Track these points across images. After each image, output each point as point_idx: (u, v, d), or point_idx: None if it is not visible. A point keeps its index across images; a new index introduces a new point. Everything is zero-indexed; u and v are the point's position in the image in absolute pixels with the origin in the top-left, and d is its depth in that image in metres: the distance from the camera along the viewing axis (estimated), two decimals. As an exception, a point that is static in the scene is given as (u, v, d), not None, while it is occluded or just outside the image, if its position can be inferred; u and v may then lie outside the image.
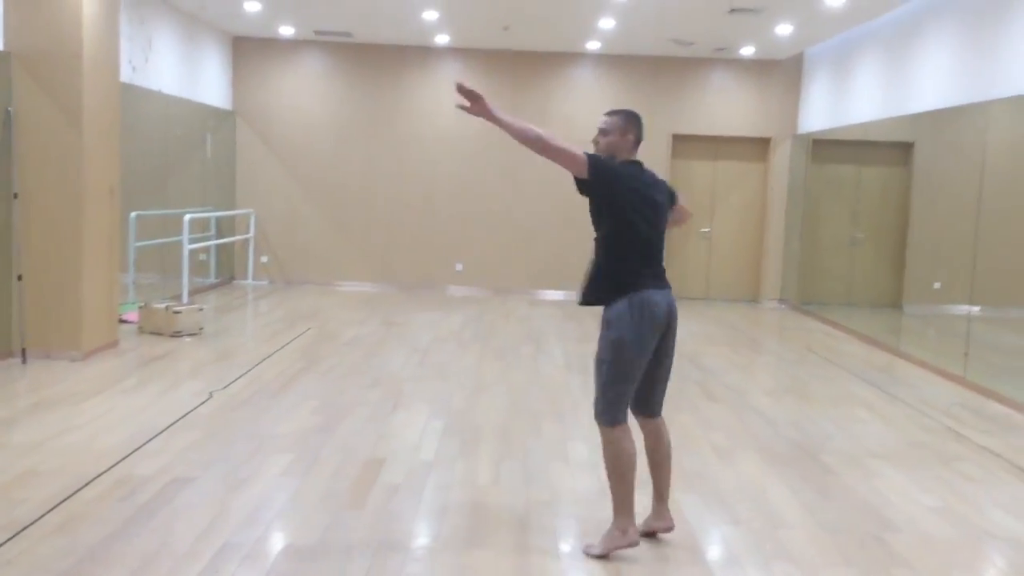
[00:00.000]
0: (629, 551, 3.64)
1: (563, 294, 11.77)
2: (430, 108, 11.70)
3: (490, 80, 11.67)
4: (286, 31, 11.02)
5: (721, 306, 11.58)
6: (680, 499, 4.30)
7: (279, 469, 4.50)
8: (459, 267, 11.86)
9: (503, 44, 11.26)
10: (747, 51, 11.03)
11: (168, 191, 9.80)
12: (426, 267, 11.88)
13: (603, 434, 3.66)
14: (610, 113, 3.84)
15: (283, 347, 7.62)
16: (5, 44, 6.51)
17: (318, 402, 5.83)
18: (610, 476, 3.65)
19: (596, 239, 3.77)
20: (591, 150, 3.78)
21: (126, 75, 8.27)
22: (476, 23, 10.03)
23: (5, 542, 3.49)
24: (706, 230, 12.02)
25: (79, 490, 4.08)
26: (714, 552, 3.73)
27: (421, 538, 3.76)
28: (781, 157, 11.75)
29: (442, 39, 11.10)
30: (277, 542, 3.65)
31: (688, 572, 3.51)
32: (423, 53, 11.65)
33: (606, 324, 3.63)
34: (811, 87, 11.28)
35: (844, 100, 10.16)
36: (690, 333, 9.30)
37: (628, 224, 3.63)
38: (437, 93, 11.68)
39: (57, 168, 6.62)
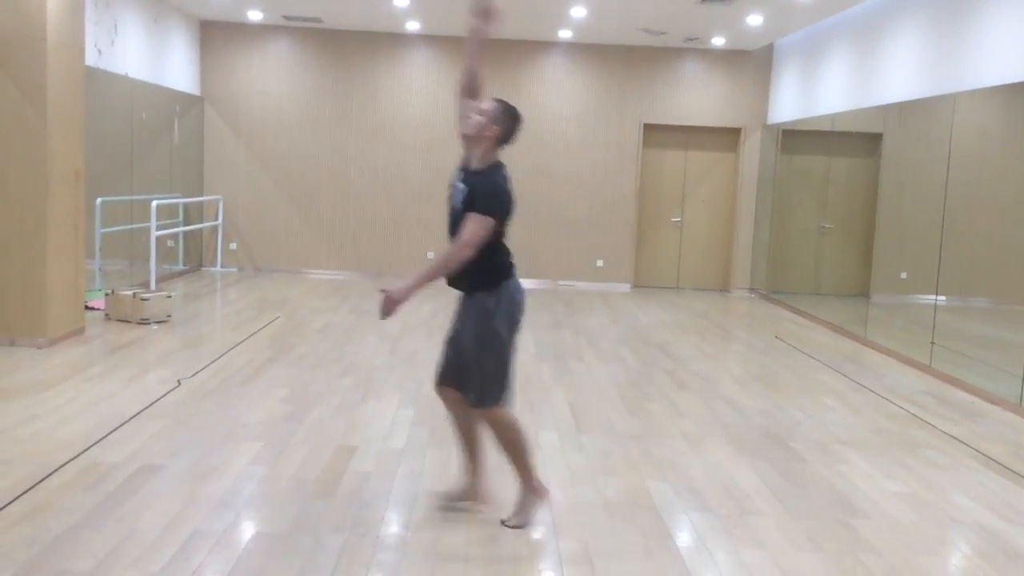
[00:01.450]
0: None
1: (533, 282, 11.77)
2: (400, 95, 11.64)
3: (460, 68, 11.59)
4: (255, 16, 10.89)
5: (691, 295, 11.65)
6: (650, 486, 4.33)
7: (248, 457, 4.47)
8: (430, 255, 11.82)
9: (475, 31, 11.19)
10: (718, 41, 11.07)
11: (135, 177, 9.67)
12: (396, 255, 11.84)
13: (497, 416, 3.72)
14: (495, 99, 3.78)
15: (252, 335, 7.56)
16: (-34, 25, 6.38)
17: (288, 390, 5.79)
18: (511, 453, 3.77)
19: (458, 226, 3.69)
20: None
21: (92, 59, 8.14)
22: (447, 10, 9.97)
23: (-32, 531, 3.43)
24: (677, 220, 12.08)
25: (44, 479, 4.03)
26: (684, 538, 3.75)
27: (392, 526, 3.75)
28: (751, 147, 11.82)
29: (412, 26, 11.03)
30: (247, 530, 3.62)
31: (659, 559, 3.53)
32: (393, 40, 11.58)
33: (485, 313, 3.66)
34: (781, 78, 11.35)
35: (813, 91, 10.24)
36: (660, 322, 9.35)
37: (504, 226, 3.69)
38: (407, 80, 11.62)
39: (21, 152, 6.50)
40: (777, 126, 11.27)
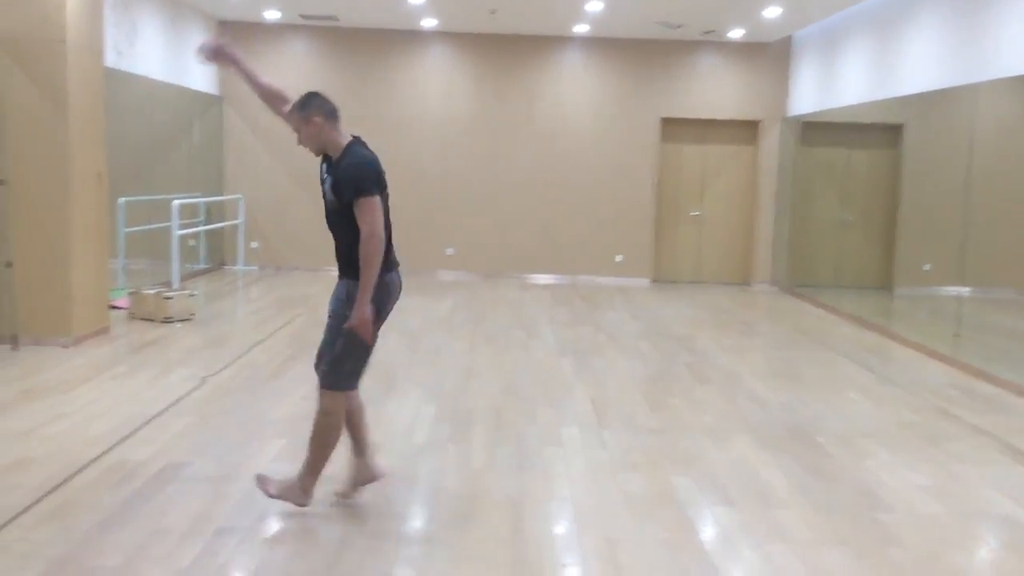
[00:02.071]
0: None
1: (553, 277, 11.77)
2: (417, 92, 11.65)
3: (477, 65, 11.62)
4: (272, 15, 10.93)
5: (711, 289, 11.61)
6: (673, 481, 4.32)
7: (272, 454, 4.50)
8: (449, 251, 11.84)
9: (490, 28, 11.21)
10: (736, 34, 11.01)
11: (156, 177, 9.73)
12: (415, 251, 11.83)
13: (330, 399, 3.68)
14: (292, 111, 3.79)
15: (274, 333, 7.60)
16: (-11, 28, 6.45)
17: (310, 388, 5.79)
18: (318, 440, 3.71)
19: (342, 222, 3.73)
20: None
21: (111, 60, 8.20)
22: (463, 7, 9.97)
23: (-2, 529, 3.48)
24: (696, 213, 12.03)
25: (72, 476, 4.07)
26: (708, 533, 3.74)
27: (416, 521, 3.77)
28: (770, 140, 11.75)
29: (429, 23, 11.03)
30: (272, 526, 3.65)
31: (683, 554, 3.52)
32: (410, 37, 11.59)
33: (350, 297, 3.67)
34: (800, 70, 11.28)
35: (833, 83, 10.17)
36: (681, 316, 9.32)
37: (383, 211, 3.71)
38: (424, 77, 11.63)
39: (43, 154, 6.56)
40: (796, 118, 11.20)
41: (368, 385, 5.89)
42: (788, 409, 5.76)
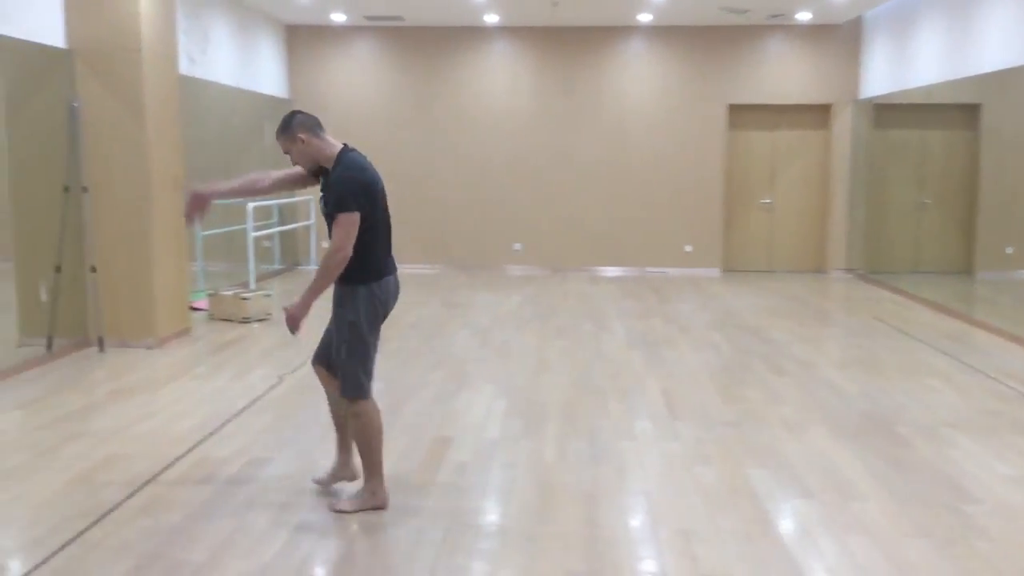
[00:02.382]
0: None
1: (622, 270, 11.72)
2: (482, 88, 11.70)
3: (540, 58, 11.61)
4: (338, 18, 11.09)
5: (785, 277, 11.41)
6: (749, 473, 4.27)
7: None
8: (517, 246, 11.87)
9: (553, 21, 11.19)
10: (803, 16, 10.79)
11: (230, 180, 9.95)
12: (484, 247, 11.92)
13: (358, 408, 3.74)
14: (277, 134, 3.78)
15: (347, 330, 7.72)
16: (68, 42, 6.67)
17: (383, 384, 5.90)
18: (362, 445, 3.78)
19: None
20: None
21: (184, 68, 8.42)
22: (524, 1, 9.97)
23: (91, 525, 3.61)
24: (767, 201, 11.84)
25: (160, 473, 4.21)
26: (786, 526, 3.70)
27: (491, 515, 3.80)
28: (842, 124, 11.49)
29: (491, 18, 11.07)
30: (351, 521, 3.72)
31: (760, 546, 3.48)
32: (473, 33, 11.64)
33: (346, 302, 3.71)
34: (871, 51, 11.00)
35: (906, 63, 9.89)
36: (753, 306, 9.19)
37: (376, 219, 3.70)
38: (488, 73, 11.67)
39: (123, 161, 6.78)
40: (869, 100, 10.93)
41: (440, 381, 5.98)
42: (867, 398, 5.64)
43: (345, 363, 3.71)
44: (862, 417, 5.24)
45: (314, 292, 3.62)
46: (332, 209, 3.59)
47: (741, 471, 4.31)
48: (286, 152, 3.78)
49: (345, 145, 3.78)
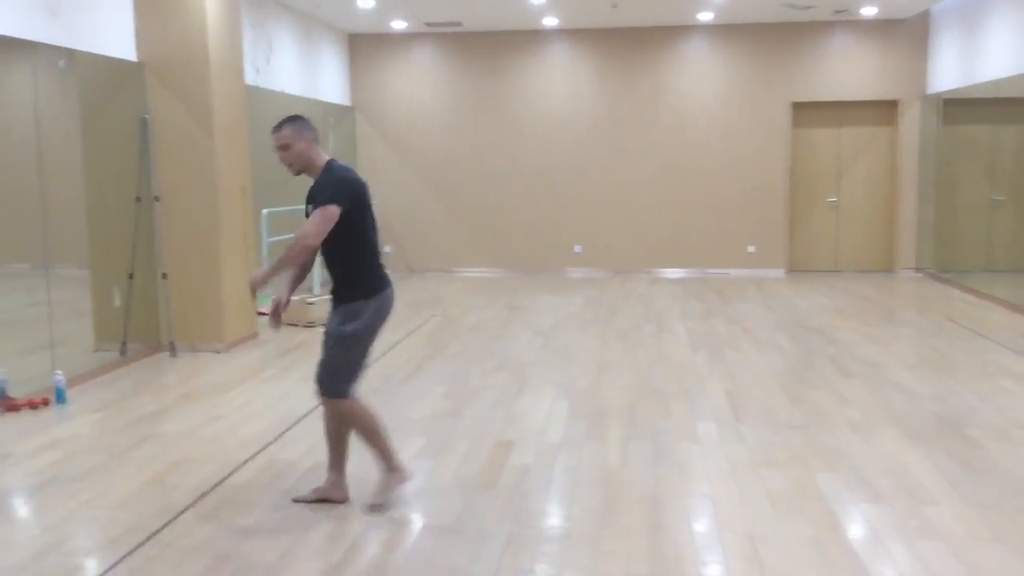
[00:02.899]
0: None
1: (683, 272, 11.62)
2: (541, 91, 11.71)
3: (600, 60, 11.59)
4: (398, 25, 11.21)
5: (852, 278, 11.19)
6: (817, 477, 4.20)
7: (413, 452, 4.63)
8: (577, 249, 11.85)
9: (612, 22, 11.16)
10: (868, 11, 10.57)
11: (295, 187, 10.11)
12: (544, 250, 11.93)
13: (337, 405, 3.83)
14: (278, 127, 3.82)
15: (410, 334, 7.81)
16: (138, 55, 6.88)
17: (446, 387, 5.95)
18: (364, 439, 3.88)
19: (333, 250, 3.77)
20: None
21: (250, 78, 8.59)
22: (584, 3, 9.96)
23: (164, 526, 3.71)
24: (833, 200, 11.63)
25: (229, 475, 4.31)
26: (855, 531, 3.63)
27: (554, 517, 3.81)
28: (910, 120, 11.24)
29: (550, 21, 11.08)
30: (416, 522, 3.76)
31: (829, 551, 3.43)
32: (532, 37, 11.66)
33: (350, 316, 3.76)
34: (939, 45, 10.73)
35: (976, 57, 9.62)
36: (819, 307, 9.03)
37: (366, 225, 3.78)
38: (547, 76, 11.68)
39: (192, 170, 6.96)
40: (937, 95, 10.66)
41: (502, 384, 6.01)
42: (938, 400, 5.50)
43: (335, 364, 3.79)
44: (933, 419, 5.12)
45: (274, 270, 3.72)
46: (320, 200, 3.67)
47: (808, 474, 4.25)
48: (283, 147, 3.79)
49: (332, 159, 3.88)
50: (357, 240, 3.76)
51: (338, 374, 3.81)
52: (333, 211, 3.63)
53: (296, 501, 3.96)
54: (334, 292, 3.89)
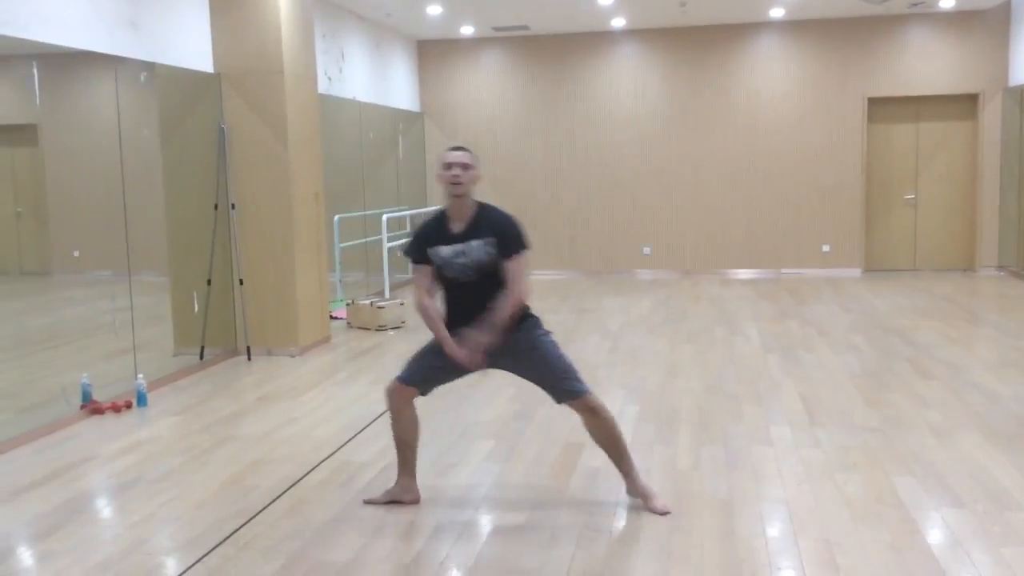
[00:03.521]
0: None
1: (755, 272, 11.44)
2: (609, 93, 11.67)
3: (669, 60, 11.49)
4: (466, 31, 11.30)
5: (931, 276, 10.88)
6: (895, 481, 4.10)
7: (483, 455, 4.65)
8: (646, 250, 11.77)
9: (681, 21, 11.05)
10: (947, 3, 10.28)
11: (366, 193, 10.30)
12: (612, 252, 11.87)
13: (595, 401, 3.82)
14: (462, 149, 3.80)
15: (480, 337, 7.83)
16: (215, 66, 7.06)
17: (515, 389, 5.96)
18: (613, 438, 3.87)
19: (484, 278, 3.73)
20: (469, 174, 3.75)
21: (323, 86, 8.76)
22: (652, 2, 9.89)
23: (241, 526, 3.80)
24: (910, 196, 11.33)
25: (304, 476, 4.39)
26: (935, 536, 3.53)
27: (623, 521, 3.79)
28: (992, 113, 10.88)
29: (618, 22, 11.03)
30: (486, 524, 3.78)
31: (908, 557, 3.34)
32: (600, 38, 11.63)
33: (536, 324, 3.87)
34: (1021, 36, 10.36)
35: (1063, 45, 9.27)
36: (897, 307, 8.80)
37: None
38: (616, 77, 11.64)
39: (267, 178, 7.12)
40: (1020, 88, 10.30)
41: (572, 386, 5.98)
42: (1021, 403, 5.31)
43: (567, 365, 3.84)
44: (1017, 422, 4.94)
45: (498, 331, 3.70)
46: (515, 248, 3.71)
47: (887, 479, 4.14)
48: (464, 166, 3.72)
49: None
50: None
51: (573, 370, 3.86)
52: (529, 255, 3.77)
53: (367, 503, 4.01)
54: (456, 325, 3.81)
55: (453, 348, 3.73)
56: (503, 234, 3.72)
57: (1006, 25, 10.72)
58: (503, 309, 3.67)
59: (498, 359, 3.81)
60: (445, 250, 3.75)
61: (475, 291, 3.74)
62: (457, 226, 3.76)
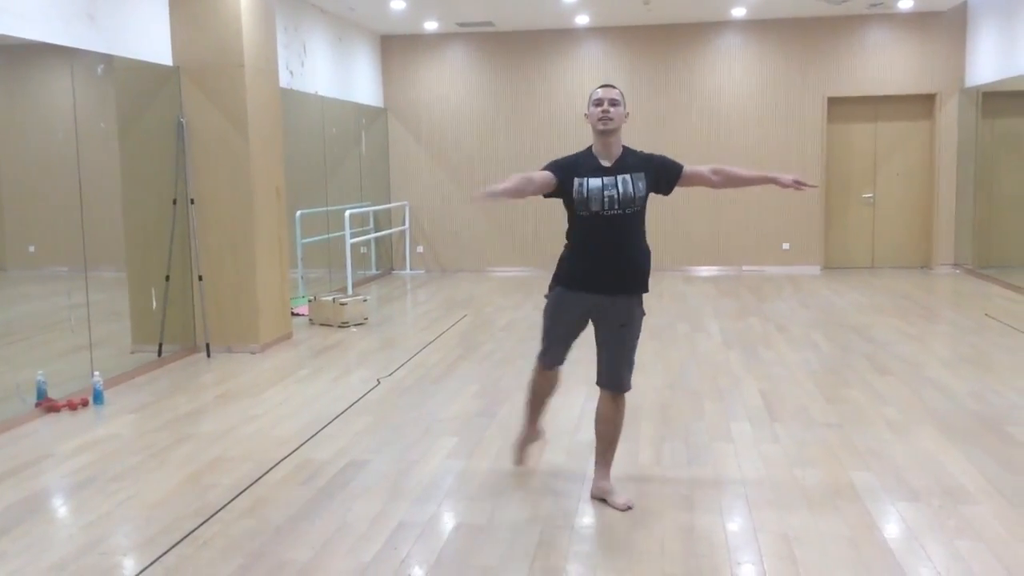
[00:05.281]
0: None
1: (717, 269, 11.54)
2: (573, 90, 11.68)
3: (632, 57, 11.54)
4: (430, 26, 11.25)
5: (888, 274, 11.05)
6: (852, 476, 4.16)
7: (446, 452, 4.64)
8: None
9: (644, 19, 11.10)
10: (905, 4, 10.43)
11: (329, 189, 10.23)
12: (578, 249, 11.88)
13: (625, 397, 4.02)
14: (611, 86, 3.78)
15: (442, 334, 7.83)
16: (174, 59, 6.96)
17: (478, 386, 5.96)
18: (616, 437, 4.01)
19: (636, 223, 3.81)
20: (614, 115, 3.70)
21: (284, 81, 8.67)
22: (615, 1, 9.92)
23: (200, 525, 3.75)
24: (869, 195, 11.49)
25: (264, 475, 4.35)
26: (891, 530, 3.58)
27: (586, 517, 3.80)
28: (948, 113, 11.07)
29: (582, 20, 11.06)
30: (448, 521, 3.77)
31: (865, 551, 3.38)
32: (564, 35, 11.65)
33: (643, 310, 3.90)
34: (978, 37, 10.55)
35: (1015, 48, 9.45)
36: (855, 304, 8.93)
37: None
38: (579, 74, 11.66)
39: (227, 173, 7.03)
40: (976, 89, 10.49)
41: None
42: (978, 398, 5.41)
43: (634, 360, 3.93)
44: (972, 417, 5.04)
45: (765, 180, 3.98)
46: (674, 167, 3.88)
47: (844, 473, 4.20)
48: (613, 103, 3.65)
49: None
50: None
51: (634, 363, 3.93)
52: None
53: (517, 461, 4.34)
54: (634, 277, 3.81)
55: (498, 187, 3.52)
56: (660, 164, 3.79)
57: (963, 27, 10.91)
58: (757, 175, 3.95)
59: (601, 313, 3.82)
60: (594, 181, 3.66)
61: (615, 225, 3.69)
62: (606, 163, 3.73)
